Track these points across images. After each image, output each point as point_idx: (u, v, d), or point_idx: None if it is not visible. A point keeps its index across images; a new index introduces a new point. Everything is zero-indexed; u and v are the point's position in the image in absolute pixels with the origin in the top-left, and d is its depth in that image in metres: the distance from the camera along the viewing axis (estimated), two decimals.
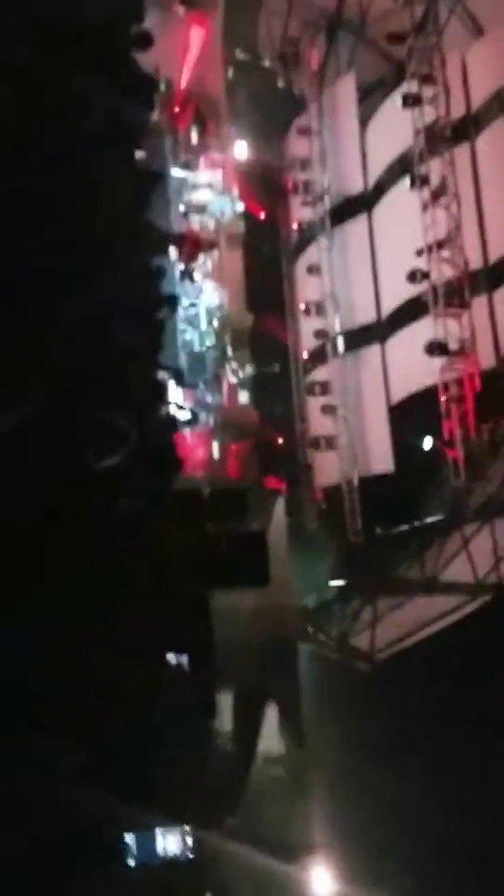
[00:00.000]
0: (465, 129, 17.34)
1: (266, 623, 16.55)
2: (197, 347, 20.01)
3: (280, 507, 17.98)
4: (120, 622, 11.56)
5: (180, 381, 17.05)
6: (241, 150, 20.87)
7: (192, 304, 19.93)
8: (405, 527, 18.96)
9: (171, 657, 13.01)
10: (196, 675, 13.92)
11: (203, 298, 20.06)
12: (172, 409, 16.68)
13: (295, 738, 17.75)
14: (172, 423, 15.56)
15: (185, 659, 12.92)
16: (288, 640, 17.11)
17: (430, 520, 18.56)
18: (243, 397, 20.94)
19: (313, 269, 21.10)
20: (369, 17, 19.77)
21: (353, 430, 19.87)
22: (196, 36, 19.05)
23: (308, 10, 20.79)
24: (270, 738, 18.90)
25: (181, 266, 18.45)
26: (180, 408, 17.45)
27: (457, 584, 16.66)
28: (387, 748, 16.61)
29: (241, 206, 20.97)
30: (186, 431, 17.85)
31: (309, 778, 18.51)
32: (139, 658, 11.86)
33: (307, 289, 21.65)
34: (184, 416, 17.45)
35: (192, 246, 18.47)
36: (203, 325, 20.18)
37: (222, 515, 15.62)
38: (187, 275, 19.24)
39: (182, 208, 20.01)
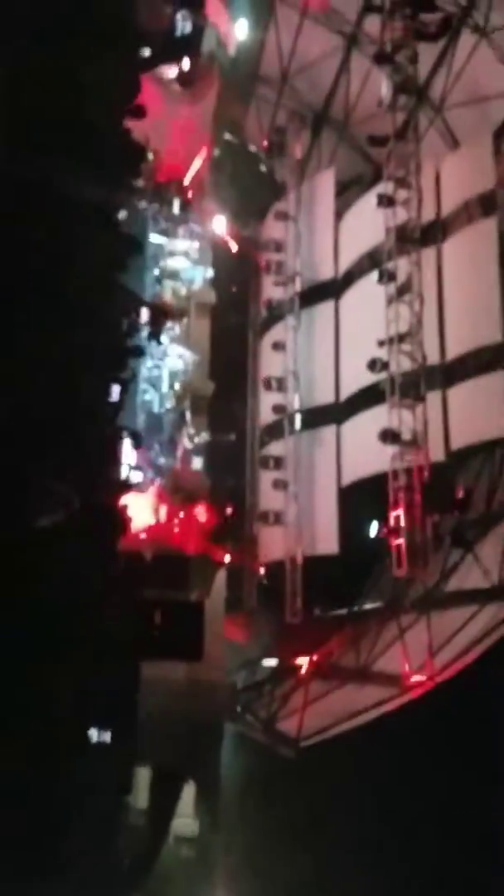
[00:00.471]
0: (434, 232, 18.18)
1: (194, 698, 16.17)
2: (156, 409, 20.10)
3: (221, 579, 17.83)
4: (45, 682, 11.18)
5: (136, 442, 16.98)
6: (220, 225, 21.45)
7: (156, 366, 20.11)
8: (343, 611, 18.92)
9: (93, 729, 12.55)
10: (115, 746, 13.42)
11: (167, 361, 20.24)
12: (124, 470, 16.57)
13: (210, 820, 17.15)
14: (123, 483, 15.42)
15: (107, 734, 12.46)
16: (214, 718, 16.70)
17: (368, 606, 18.58)
18: (197, 463, 20.92)
19: (278, 346, 21.56)
20: (353, 118, 20.84)
21: (302, 508, 20.01)
22: (188, 114, 19.77)
23: (297, 103, 21.85)
24: (185, 817, 18.24)
25: (149, 328, 18.64)
26: (132, 468, 17.35)
27: (389, 675, 16.58)
28: (302, 835, 16.18)
29: (212, 277, 21.44)
30: (135, 492, 17.68)
31: (219, 862, 17.84)
32: (60, 724, 11.44)
33: (270, 364, 22.05)
34: (135, 477, 17.32)
35: (163, 313, 18.73)
36: (164, 388, 20.31)
37: (162, 582, 15.39)
38: (154, 336, 19.43)
39: (157, 273, 20.42)
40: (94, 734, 12.37)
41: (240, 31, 19.86)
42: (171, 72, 19.50)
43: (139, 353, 17.55)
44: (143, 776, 16.86)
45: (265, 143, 22.31)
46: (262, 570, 21.18)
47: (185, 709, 16.24)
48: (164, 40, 17.96)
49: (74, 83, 12.63)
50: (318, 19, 19.47)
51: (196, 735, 16.31)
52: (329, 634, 18.82)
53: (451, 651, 15.32)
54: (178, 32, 18.39)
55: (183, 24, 18.35)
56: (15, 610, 10.45)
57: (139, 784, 16.65)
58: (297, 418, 20.83)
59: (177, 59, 19.13)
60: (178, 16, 18.28)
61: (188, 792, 17.88)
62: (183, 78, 19.60)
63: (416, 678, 15.64)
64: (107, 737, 12.61)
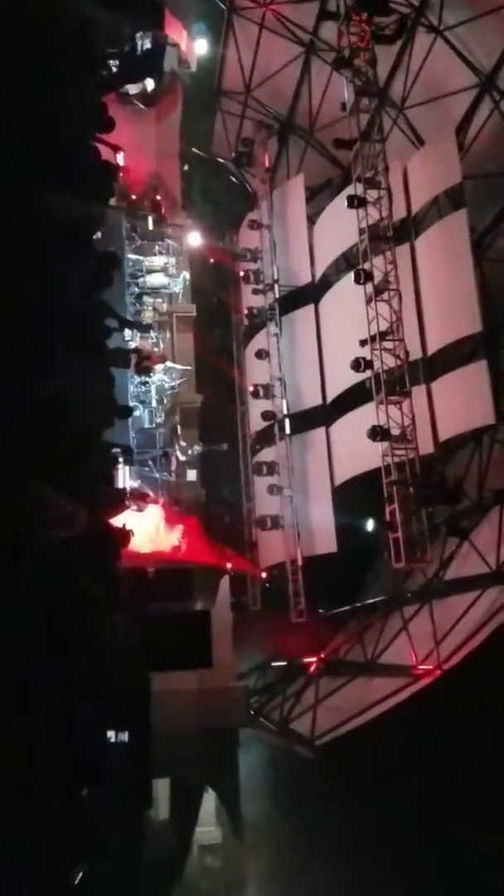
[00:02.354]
0: (407, 229, 18.50)
1: (207, 706, 16.32)
2: (147, 424, 20.33)
3: (224, 586, 18.02)
4: (56, 702, 11.30)
5: (129, 459, 17.17)
6: (195, 238, 21.72)
7: (143, 382, 20.33)
8: (347, 607, 19.14)
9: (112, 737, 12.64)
10: (133, 760, 13.55)
11: (154, 377, 20.47)
12: (120, 487, 16.74)
13: (233, 826, 17.29)
14: (120, 500, 15.57)
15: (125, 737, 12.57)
16: (229, 724, 16.85)
17: (371, 600, 18.81)
18: (191, 475, 21.13)
19: (262, 354, 21.85)
20: (318, 124, 21.17)
21: (299, 510, 20.26)
22: (155, 132, 20.06)
23: (261, 113, 22.19)
24: (208, 825, 18.38)
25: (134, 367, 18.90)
26: (129, 485, 17.56)
27: (397, 666, 16.80)
28: (327, 836, 16.32)
29: (192, 290, 21.69)
30: (134, 508, 17.88)
31: (246, 868, 17.97)
32: (74, 741, 11.56)
33: (256, 372, 22.33)
34: (132, 493, 17.52)
35: (146, 360, 19.05)
36: (153, 403, 20.54)
37: (166, 595, 15.56)
38: (143, 373, 19.64)
39: (136, 290, 20.67)
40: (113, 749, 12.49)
41: (200, 47, 20.17)
42: (134, 91, 19.81)
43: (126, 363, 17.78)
44: (163, 788, 17.04)
45: (233, 154, 22.61)
46: (264, 574, 21.41)
47: (200, 717, 16.39)
48: (125, 61, 18.19)
49: (39, 106, 12.84)
50: (276, 30, 19.79)
51: (212, 743, 16.45)
52: (335, 631, 19.07)
53: (455, 638, 15.53)
54: (139, 52, 18.60)
55: (142, 43, 18.59)
56: (21, 627, 10.58)
57: (159, 796, 16.82)
58: (287, 423, 21.12)
59: (139, 79, 19.41)
60: (138, 36, 18.53)
61: (209, 800, 18.04)
62: (146, 97, 19.90)
63: (423, 667, 15.85)
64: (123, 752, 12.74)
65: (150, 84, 19.26)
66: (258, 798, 17.76)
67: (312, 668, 18.54)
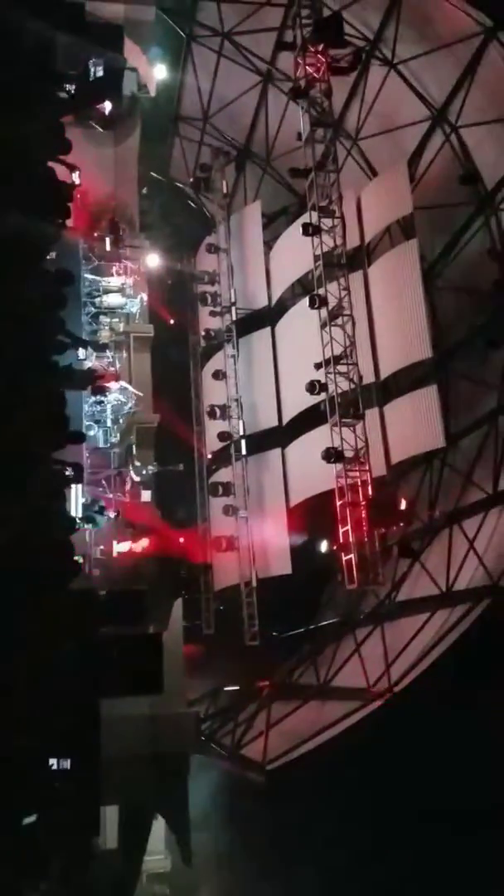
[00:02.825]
0: (360, 257, 18.88)
1: (158, 732, 16.08)
2: (101, 444, 20.15)
3: (178, 609, 17.85)
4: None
5: (79, 477, 16.96)
6: (153, 260, 21.80)
7: (98, 402, 20.19)
8: (300, 629, 19.09)
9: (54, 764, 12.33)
10: (80, 787, 13.23)
11: (110, 397, 20.35)
12: (72, 507, 16.53)
13: (182, 854, 16.97)
14: (70, 520, 15.33)
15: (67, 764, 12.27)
16: (180, 750, 16.61)
17: (324, 623, 18.81)
18: (146, 496, 20.98)
19: (219, 375, 21.95)
20: (274, 152, 21.55)
21: (253, 531, 20.25)
22: (113, 154, 20.16)
23: (219, 140, 22.50)
24: (157, 853, 18.01)
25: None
26: (82, 506, 17.34)
27: (349, 689, 16.80)
28: (277, 862, 16.15)
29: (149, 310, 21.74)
30: (85, 528, 17.67)
31: None
32: (19, 769, 11.27)
33: (213, 393, 22.41)
34: (83, 514, 17.31)
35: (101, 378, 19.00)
36: (108, 423, 20.40)
37: (118, 618, 15.29)
38: (98, 392, 19.54)
39: (93, 310, 20.60)
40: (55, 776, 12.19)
41: (159, 72, 20.40)
42: (92, 114, 19.91)
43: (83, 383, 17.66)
44: (111, 814, 16.66)
45: (191, 179, 22.84)
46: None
47: (150, 743, 16.13)
48: (83, 83, 18.27)
49: None
50: (234, 58, 20.14)
51: (162, 769, 16.19)
52: (288, 654, 18.99)
53: (406, 660, 15.65)
54: (93, 76, 18.68)
55: (95, 68, 18.70)
56: None
57: (108, 823, 16.43)
58: (243, 444, 21.17)
59: (97, 101, 19.50)
60: (92, 60, 18.63)
61: (158, 828, 17.69)
62: (105, 119, 20.00)
63: (374, 690, 15.89)
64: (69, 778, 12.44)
65: (108, 107, 19.35)
66: (208, 825, 17.49)
67: (265, 692, 18.40)
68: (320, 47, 17.30)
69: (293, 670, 19.24)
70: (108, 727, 14.07)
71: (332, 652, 18.19)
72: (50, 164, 14.79)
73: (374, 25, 17.58)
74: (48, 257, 15.39)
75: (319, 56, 17.37)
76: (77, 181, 17.77)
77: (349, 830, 15.92)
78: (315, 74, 17.47)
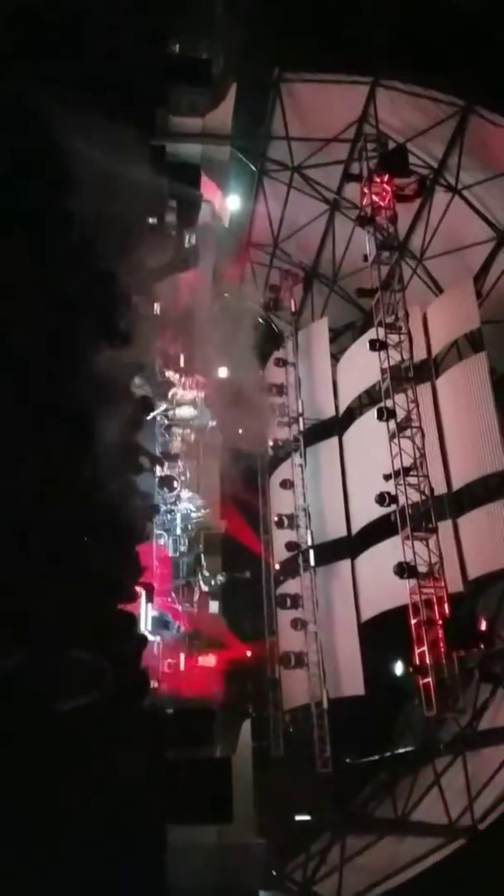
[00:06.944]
0: (427, 370, 19.08)
1: (225, 864, 15.21)
2: (171, 553, 20.27)
3: (246, 729, 17.23)
4: (65, 856, 10.65)
5: (150, 598, 17.03)
6: (224, 373, 22.54)
7: (169, 511, 20.48)
8: (375, 756, 18.07)
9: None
10: None
11: (179, 505, 20.64)
12: (141, 622, 16.50)
13: None
14: (142, 638, 15.24)
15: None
16: (249, 884, 15.62)
17: (401, 750, 17.78)
18: (214, 607, 20.79)
19: (287, 484, 22.05)
20: (341, 273, 22.36)
21: (324, 647, 19.64)
22: (190, 278, 21.28)
23: (288, 263, 23.56)
24: None
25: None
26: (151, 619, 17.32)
27: (429, 824, 15.65)
28: None
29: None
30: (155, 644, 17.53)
31: None
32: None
33: (280, 502, 22.43)
34: (154, 634, 17.26)
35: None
36: (178, 531, 20.59)
37: (185, 739, 14.87)
38: (165, 483, 19.98)
39: (165, 422, 21.27)
40: None
41: (232, 203, 21.72)
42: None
43: (154, 509, 18.09)
44: None
45: (262, 300, 23.84)
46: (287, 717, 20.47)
47: (217, 875, 15.24)
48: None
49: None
50: (303, 189, 21.32)
51: None
52: (362, 783, 17.91)
53: (491, 794, 14.55)
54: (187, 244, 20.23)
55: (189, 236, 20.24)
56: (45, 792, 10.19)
57: None
58: (311, 554, 20.91)
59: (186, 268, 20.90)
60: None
61: None
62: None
63: (457, 826, 14.75)
64: None
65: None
66: None
67: (338, 823, 17.27)
68: (386, 177, 18.22)
69: (368, 801, 18.09)
70: (173, 855, 13.48)
71: (409, 783, 17.08)
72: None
73: (438, 154, 18.40)
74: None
75: (385, 185, 18.26)
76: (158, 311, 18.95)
77: None
78: (381, 203, 18.31)
